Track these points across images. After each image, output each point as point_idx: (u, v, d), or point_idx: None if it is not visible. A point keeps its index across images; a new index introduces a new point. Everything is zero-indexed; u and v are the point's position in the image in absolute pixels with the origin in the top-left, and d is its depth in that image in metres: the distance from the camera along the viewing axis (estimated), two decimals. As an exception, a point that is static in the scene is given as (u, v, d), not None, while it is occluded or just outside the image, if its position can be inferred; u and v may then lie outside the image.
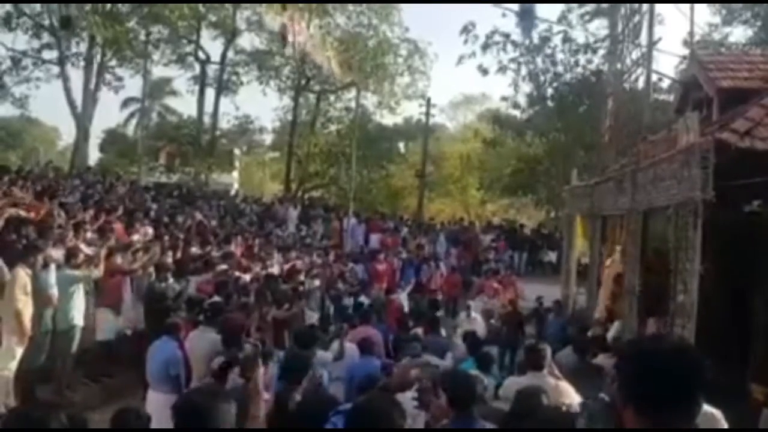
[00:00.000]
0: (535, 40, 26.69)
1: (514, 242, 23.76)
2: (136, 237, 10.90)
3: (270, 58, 30.11)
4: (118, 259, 8.94)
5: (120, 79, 29.40)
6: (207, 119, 30.73)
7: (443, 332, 9.53)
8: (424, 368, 5.42)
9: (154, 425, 3.78)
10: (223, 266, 10.50)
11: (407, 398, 4.58)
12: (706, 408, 3.13)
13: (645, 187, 7.67)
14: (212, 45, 30.72)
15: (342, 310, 11.63)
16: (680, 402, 1.65)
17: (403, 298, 13.28)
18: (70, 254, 8.01)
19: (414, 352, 6.69)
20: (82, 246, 8.83)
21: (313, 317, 10.82)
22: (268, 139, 36.26)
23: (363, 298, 12.55)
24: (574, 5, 27.12)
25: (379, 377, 5.52)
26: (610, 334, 8.73)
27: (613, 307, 9.70)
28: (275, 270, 11.63)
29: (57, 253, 7.98)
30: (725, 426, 4.06)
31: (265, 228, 18.42)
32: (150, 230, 12.04)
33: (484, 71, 27.84)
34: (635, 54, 9.78)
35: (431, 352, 7.11)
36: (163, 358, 6.18)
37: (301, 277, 11.70)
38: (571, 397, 4.94)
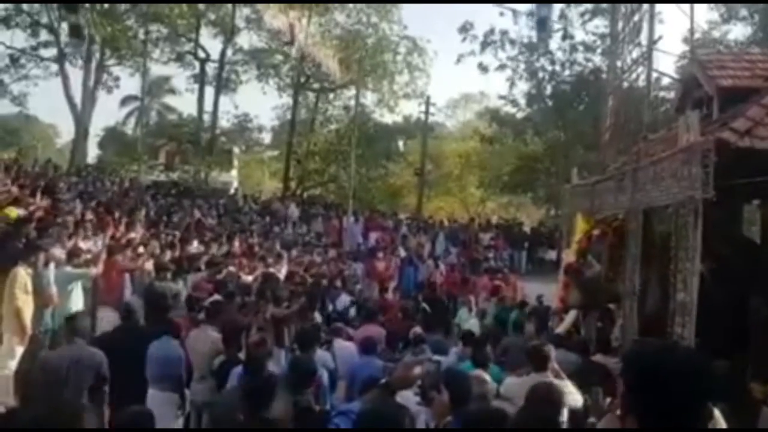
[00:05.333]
0: (534, 39, 26.67)
1: (513, 241, 23.74)
2: (133, 235, 10.89)
3: (269, 57, 30.09)
4: (119, 258, 8.94)
5: (117, 78, 29.40)
6: (206, 117, 30.72)
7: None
8: (427, 364, 5.40)
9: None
10: (222, 264, 10.50)
11: (409, 395, 4.57)
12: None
13: (645, 185, 7.66)
14: (211, 43, 30.72)
15: (341, 309, 11.62)
16: (686, 416, 1.59)
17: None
18: (72, 254, 8.01)
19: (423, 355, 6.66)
20: (81, 244, 8.84)
21: (317, 316, 10.81)
22: (267, 137, 36.30)
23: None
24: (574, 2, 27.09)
25: (381, 378, 5.51)
26: (562, 327, 8.77)
27: (566, 296, 9.76)
28: (284, 270, 11.53)
29: (58, 252, 7.99)
30: (724, 425, 4.06)
31: (265, 226, 18.41)
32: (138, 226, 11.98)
33: (484, 69, 27.90)
34: (635, 53, 9.76)
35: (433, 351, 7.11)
36: (164, 356, 6.18)
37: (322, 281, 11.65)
38: (575, 397, 4.94)
